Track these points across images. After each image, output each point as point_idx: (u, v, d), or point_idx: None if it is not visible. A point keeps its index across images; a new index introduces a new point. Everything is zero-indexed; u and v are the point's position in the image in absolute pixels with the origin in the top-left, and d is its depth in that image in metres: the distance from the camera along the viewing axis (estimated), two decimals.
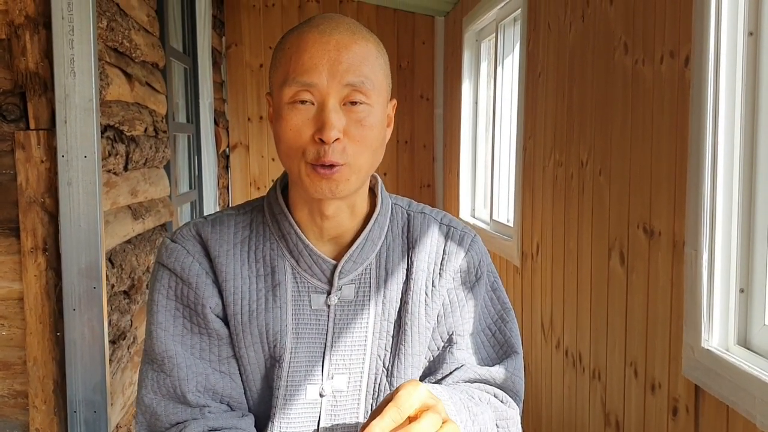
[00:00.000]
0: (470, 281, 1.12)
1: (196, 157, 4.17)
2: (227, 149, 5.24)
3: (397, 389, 0.85)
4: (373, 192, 1.13)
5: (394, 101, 1.07)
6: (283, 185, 1.13)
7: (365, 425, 0.82)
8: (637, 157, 2.04)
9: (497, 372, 1.10)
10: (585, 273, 2.45)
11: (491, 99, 4.09)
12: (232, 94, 5.22)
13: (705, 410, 1.68)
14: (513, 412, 1.09)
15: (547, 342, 2.87)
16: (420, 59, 5.23)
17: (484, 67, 4.35)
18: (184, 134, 3.98)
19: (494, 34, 3.87)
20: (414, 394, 0.84)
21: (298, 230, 1.07)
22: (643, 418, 2.00)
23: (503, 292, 1.17)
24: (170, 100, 3.27)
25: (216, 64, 4.83)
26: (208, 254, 1.08)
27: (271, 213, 1.10)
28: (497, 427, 1.06)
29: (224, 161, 5.17)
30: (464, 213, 4.52)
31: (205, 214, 4.19)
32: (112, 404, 2.15)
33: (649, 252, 1.96)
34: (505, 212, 3.75)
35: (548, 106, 2.84)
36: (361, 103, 0.96)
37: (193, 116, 4.12)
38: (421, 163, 5.41)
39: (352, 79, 0.95)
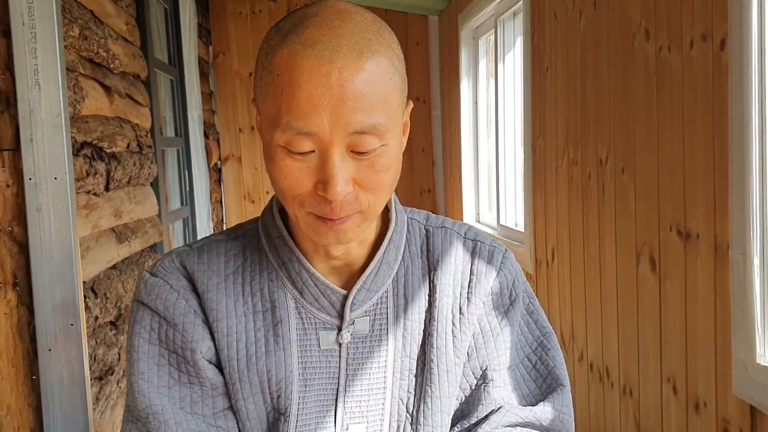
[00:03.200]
0: (504, 305, 0.96)
1: (186, 172, 4.00)
2: (219, 162, 5.06)
3: None
4: (385, 207, 0.95)
5: (411, 104, 0.87)
6: (281, 204, 0.95)
7: None
8: (666, 152, 1.86)
9: (542, 412, 0.93)
10: (610, 280, 2.26)
11: (492, 98, 3.92)
12: (221, 104, 5.04)
13: None
14: None
15: (568, 355, 2.68)
16: (414, 60, 5.05)
17: (483, 65, 4.18)
18: (172, 149, 3.81)
19: (493, 30, 3.70)
20: None
21: (301, 257, 0.90)
22: None
23: (542, 315, 0.99)
24: (156, 114, 3.09)
25: (204, 74, 4.66)
26: (195, 289, 0.91)
27: (268, 237, 0.93)
28: None
29: (216, 175, 4.99)
30: (468, 218, 4.35)
31: (198, 230, 4.02)
32: None
33: (686, 257, 1.77)
34: (513, 216, 3.57)
35: (559, 102, 2.66)
36: (373, 150, 0.77)
37: (182, 129, 3.95)
38: (421, 167, 5.24)
39: (362, 124, 0.75)
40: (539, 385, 0.95)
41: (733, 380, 1.57)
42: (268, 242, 0.92)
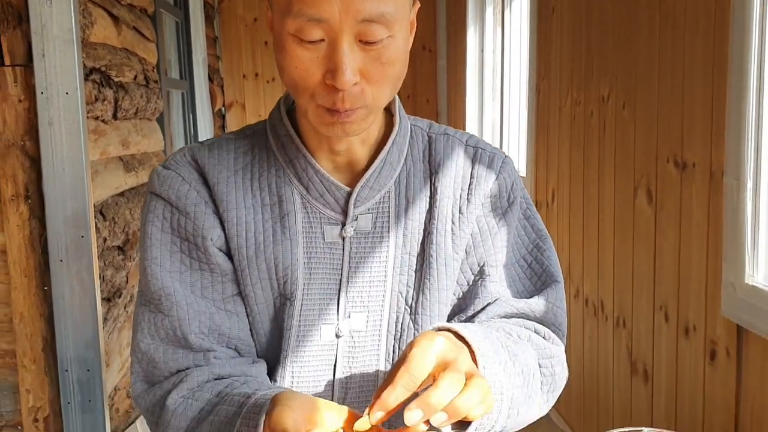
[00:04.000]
0: (502, 207, 0.99)
1: (190, 115, 4.02)
2: (223, 108, 5.07)
3: (410, 345, 0.73)
4: (389, 111, 0.98)
5: (417, 4, 0.90)
6: (288, 104, 0.98)
7: (377, 394, 0.71)
8: (666, 85, 1.88)
9: (536, 304, 0.97)
10: (607, 217, 2.30)
11: (498, 46, 3.91)
12: (226, 50, 5.03)
13: (749, 351, 1.55)
14: (557, 349, 0.96)
15: (565, 293, 2.74)
16: (421, 9, 4.97)
17: (490, 12, 4.16)
18: (177, 91, 3.83)
19: None
20: (428, 352, 0.72)
21: (308, 154, 0.93)
22: (675, 364, 1.87)
23: (538, 219, 1.03)
24: (162, 53, 3.10)
25: (208, 18, 4.64)
26: (206, 182, 0.94)
27: (276, 136, 0.96)
28: (540, 366, 0.92)
29: (220, 120, 5.01)
30: None
31: None
32: (108, 365, 2.02)
33: (682, 186, 1.81)
34: (516, 164, 3.60)
35: (564, 43, 2.67)
36: (380, 40, 0.79)
37: (187, 72, 3.96)
38: (425, 117, 5.23)
39: (370, 12, 0.77)
40: (534, 282, 0.99)
41: (722, 302, 1.62)
42: (275, 140, 0.96)
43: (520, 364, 0.87)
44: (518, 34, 3.52)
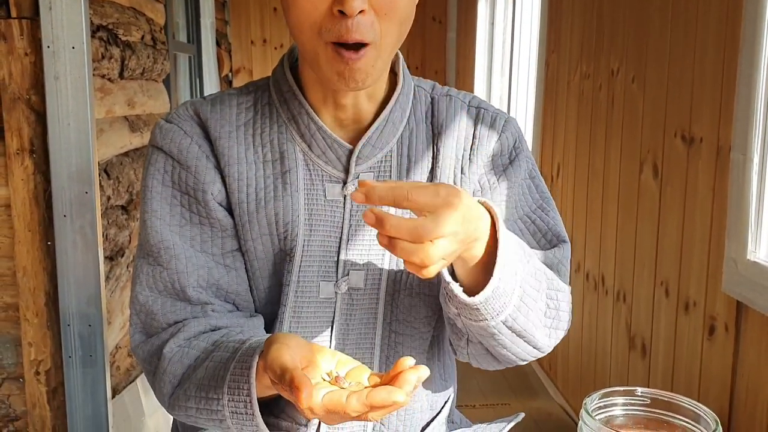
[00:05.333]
0: (503, 163, 0.98)
1: (197, 80, 4.00)
2: (230, 74, 5.05)
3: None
4: (392, 70, 0.97)
5: None
6: (292, 60, 0.98)
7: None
8: (677, 59, 1.86)
9: (543, 256, 0.95)
10: (612, 191, 2.30)
11: (509, 19, 3.87)
12: (234, 15, 4.99)
13: (748, 327, 1.55)
14: (564, 287, 0.93)
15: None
16: None
17: None
18: (185, 54, 3.80)
19: None
20: (443, 188, 0.70)
21: (311, 111, 0.93)
22: (673, 340, 1.88)
23: (542, 182, 1.02)
24: (170, 15, 3.08)
25: None
26: (207, 136, 0.94)
27: (279, 92, 0.95)
28: (547, 296, 0.89)
29: (227, 86, 4.99)
30: None
31: None
32: (110, 323, 2.04)
33: (688, 161, 1.80)
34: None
35: (575, 16, 2.64)
36: None
37: (194, 36, 3.93)
38: None
39: None
40: (538, 240, 0.97)
41: (723, 278, 1.62)
42: (278, 96, 0.95)
43: (535, 267, 0.86)
44: (529, 6, 3.48)
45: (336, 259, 0.96)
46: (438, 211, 0.69)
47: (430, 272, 0.70)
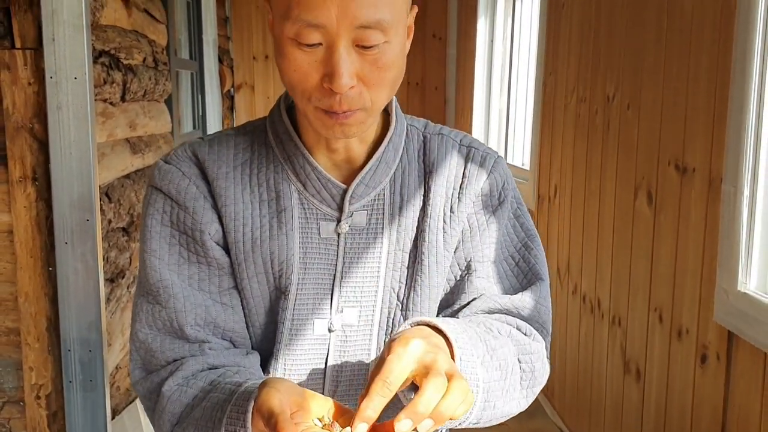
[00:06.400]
0: (492, 205, 1.01)
1: (199, 96, 4.03)
2: (232, 89, 5.08)
3: (387, 349, 0.75)
4: (385, 110, 1.00)
5: (415, 9, 0.91)
6: (288, 102, 1.00)
7: (358, 402, 0.73)
8: (671, 89, 1.89)
9: (520, 300, 0.99)
10: (607, 215, 2.32)
11: (508, 37, 3.91)
12: (236, 31, 5.03)
13: (739, 357, 1.57)
14: (538, 346, 0.98)
15: (563, 288, 2.76)
16: None
17: (501, 3, 4.15)
18: (187, 71, 3.84)
19: None
20: (404, 359, 0.73)
21: (306, 152, 0.95)
22: (667, 366, 1.90)
23: (528, 219, 1.05)
24: (172, 33, 3.11)
25: None
26: (205, 177, 0.96)
27: (275, 133, 0.98)
28: (519, 362, 0.94)
29: (229, 101, 5.02)
30: None
31: None
32: (110, 344, 2.06)
33: (681, 190, 1.83)
34: (521, 155, 3.61)
35: (572, 40, 2.67)
36: (377, 45, 0.81)
37: (197, 53, 3.96)
38: (432, 105, 5.24)
39: (367, 19, 0.79)
40: (520, 280, 1.01)
41: (715, 307, 1.64)
42: (274, 137, 0.98)
43: (498, 358, 0.89)
44: (528, 26, 3.51)
45: (330, 296, 0.98)
46: (422, 385, 0.72)
47: (468, 403, 0.74)
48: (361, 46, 0.81)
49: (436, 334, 0.81)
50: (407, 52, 0.91)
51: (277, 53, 0.86)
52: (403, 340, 0.75)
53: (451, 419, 0.74)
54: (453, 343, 0.82)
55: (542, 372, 0.97)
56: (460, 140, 1.03)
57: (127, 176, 2.39)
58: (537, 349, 0.97)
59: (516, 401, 0.92)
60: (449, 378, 0.73)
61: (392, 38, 0.83)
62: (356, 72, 0.82)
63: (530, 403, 0.97)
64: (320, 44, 0.81)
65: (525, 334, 0.98)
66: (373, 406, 0.71)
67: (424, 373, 0.74)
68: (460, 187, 0.99)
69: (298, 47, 0.82)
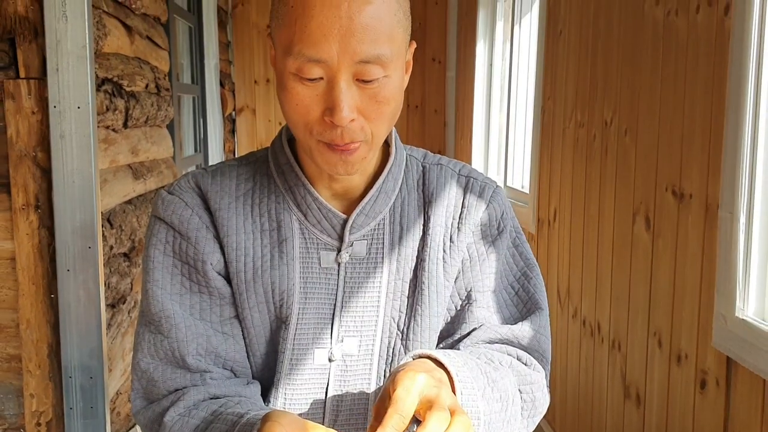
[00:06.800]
0: (491, 235, 1.02)
1: (201, 120, 4.07)
2: (233, 113, 5.12)
3: (393, 384, 0.76)
4: (385, 141, 1.02)
5: (413, 45, 0.94)
6: (289, 134, 1.02)
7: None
8: (668, 115, 1.91)
9: (520, 330, 1.00)
10: (606, 239, 2.33)
11: (507, 61, 3.94)
12: (238, 55, 5.08)
13: (738, 383, 1.57)
14: (538, 376, 0.99)
15: (563, 311, 2.77)
16: (432, 20, 5.06)
17: (500, 27, 4.20)
18: (189, 95, 3.87)
19: None
20: (412, 391, 0.75)
21: (306, 182, 0.97)
22: (666, 391, 1.90)
23: (527, 248, 1.06)
24: (174, 59, 3.15)
25: (222, 24, 4.69)
26: (208, 207, 0.98)
27: (277, 164, 1.00)
28: (520, 392, 0.95)
29: (230, 125, 5.05)
30: None
31: None
32: (111, 370, 2.06)
33: (678, 216, 1.84)
34: (520, 178, 3.63)
35: (570, 65, 2.70)
36: (376, 79, 0.84)
37: (198, 77, 4.00)
38: (432, 128, 5.28)
39: (367, 54, 0.82)
40: (520, 310, 1.02)
41: (713, 333, 1.65)
42: (276, 168, 0.99)
43: (499, 390, 0.90)
44: (527, 50, 3.55)
45: (330, 325, 0.99)
46: (426, 418, 0.74)
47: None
48: (361, 80, 0.83)
49: (438, 368, 0.83)
50: (405, 86, 0.94)
51: (279, 87, 0.88)
52: (410, 374, 0.77)
53: None
54: (454, 377, 0.83)
55: (542, 402, 0.99)
56: (459, 170, 1.05)
57: (129, 202, 2.40)
58: (537, 379, 0.98)
59: (518, 428, 0.93)
60: (452, 413, 0.75)
61: (391, 73, 0.86)
62: (356, 105, 0.84)
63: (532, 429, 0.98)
64: (321, 78, 0.83)
65: (525, 364, 0.99)
66: None
67: (428, 407, 0.75)
68: (460, 217, 1.01)
69: (300, 81, 0.84)
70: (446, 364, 0.83)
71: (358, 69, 0.83)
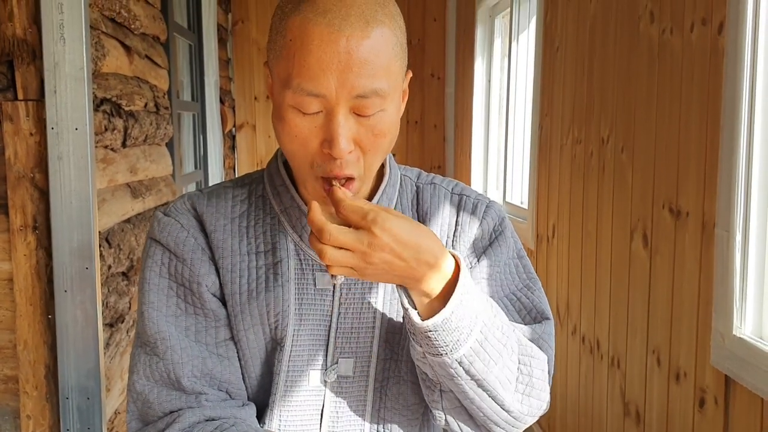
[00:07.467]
0: (483, 245, 1.03)
1: (201, 137, 4.08)
2: (233, 129, 5.14)
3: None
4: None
5: (410, 74, 0.95)
6: (284, 157, 1.03)
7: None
8: (663, 133, 1.92)
9: (523, 330, 0.98)
10: (604, 256, 2.33)
11: (505, 77, 3.96)
12: (238, 72, 5.11)
13: (736, 402, 1.57)
14: (540, 353, 0.96)
15: (562, 328, 2.76)
16: (431, 37, 5.08)
17: (498, 44, 4.22)
18: (189, 113, 3.89)
19: (509, 9, 3.73)
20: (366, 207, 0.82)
21: (302, 204, 0.97)
22: (666, 409, 1.89)
23: (529, 263, 1.07)
24: (173, 77, 3.16)
25: (222, 41, 4.72)
26: (203, 229, 0.99)
27: (272, 186, 1.00)
28: (519, 362, 0.92)
29: (230, 141, 5.07)
30: None
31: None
32: (109, 390, 2.06)
33: (675, 233, 1.84)
34: (519, 194, 3.64)
35: (567, 82, 2.71)
36: (374, 114, 0.85)
37: (199, 94, 4.02)
38: (432, 143, 5.29)
39: (365, 89, 0.83)
40: (523, 316, 1.01)
41: (711, 351, 1.64)
42: (272, 190, 1.00)
43: (502, 322, 0.89)
44: (524, 66, 3.57)
45: (325, 347, 0.99)
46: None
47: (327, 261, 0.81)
48: (359, 114, 0.85)
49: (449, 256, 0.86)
50: (401, 114, 0.94)
51: (277, 118, 0.88)
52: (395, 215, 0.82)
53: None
54: (461, 271, 0.84)
55: (541, 383, 0.95)
56: (452, 189, 1.05)
57: (128, 221, 2.41)
58: (539, 356, 0.95)
59: (510, 393, 0.90)
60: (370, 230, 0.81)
61: (388, 106, 0.87)
62: (353, 137, 0.85)
63: (528, 416, 0.94)
64: (320, 111, 0.84)
65: (529, 344, 0.96)
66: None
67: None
68: (454, 235, 1.02)
69: (297, 114, 0.85)
70: (457, 258, 0.86)
71: (355, 103, 0.84)
